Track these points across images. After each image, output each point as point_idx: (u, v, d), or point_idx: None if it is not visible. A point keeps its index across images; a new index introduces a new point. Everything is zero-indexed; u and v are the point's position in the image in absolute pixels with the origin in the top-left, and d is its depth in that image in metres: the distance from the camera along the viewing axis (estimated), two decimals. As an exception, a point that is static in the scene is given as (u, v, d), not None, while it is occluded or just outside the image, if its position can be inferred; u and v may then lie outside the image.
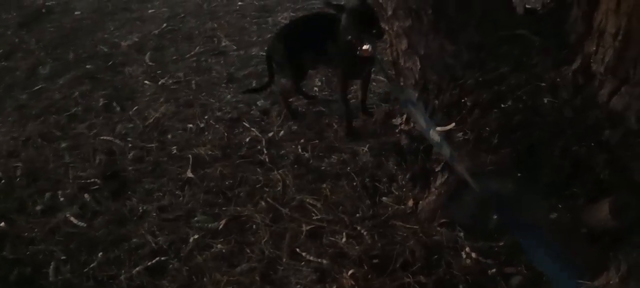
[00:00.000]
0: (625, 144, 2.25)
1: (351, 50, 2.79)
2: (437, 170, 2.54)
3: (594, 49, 2.35)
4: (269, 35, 4.61)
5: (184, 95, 3.78)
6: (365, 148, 2.99)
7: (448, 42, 2.69)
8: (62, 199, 2.86)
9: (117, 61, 4.37)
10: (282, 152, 3.08)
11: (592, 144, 2.27)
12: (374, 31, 2.80)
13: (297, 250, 2.43)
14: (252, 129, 3.30)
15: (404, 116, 2.95)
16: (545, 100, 2.44)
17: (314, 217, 2.59)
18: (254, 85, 3.83)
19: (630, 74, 2.23)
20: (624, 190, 2.16)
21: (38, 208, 2.81)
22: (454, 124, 2.56)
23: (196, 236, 2.55)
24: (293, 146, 3.11)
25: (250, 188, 2.82)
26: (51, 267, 2.45)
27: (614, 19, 2.24)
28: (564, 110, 2.39)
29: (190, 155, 3.10)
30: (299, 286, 2.28)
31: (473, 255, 2.27)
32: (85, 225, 2.68)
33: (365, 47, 2.75)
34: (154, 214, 2.71)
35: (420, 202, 2.56)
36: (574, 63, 2.44)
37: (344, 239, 2.45)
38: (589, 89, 2.37)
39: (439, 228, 2.42)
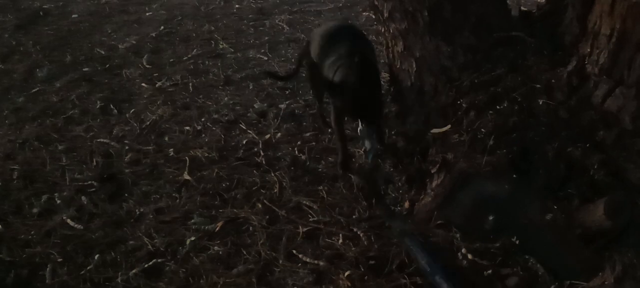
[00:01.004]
0: (619, 144, 2.26)
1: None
2: (433, 171, 2.54)
3: (589, 50, 2.37)
4: (266, 38, 4.63)
5: (181, 98, 3.79)
6: (361, 151, 3.00)
7: (444, 44, 2.70)
8: (58, 202, 2.85)
9: (114, 64, 4.38)
10: (279, 154, 3.09)
11: (587, 145, 2.29)
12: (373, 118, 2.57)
13: (294, 251, 2.43)
14: (249, 131, 3.31)
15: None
16: (541, 102, 2.45)
17: (311, 219, 2.60)
18: (251, 87, 3.85)
19: (624, 75, 2.25)
20: (618, 191, 2.17)
21: (34, 210, 2.80)
22: (449, 126, 2.58)
23: (193, 238, 2.54)
24: (290, 148, 3.12)
25: (247, 190, 2.83)
26: (48, 269, 2.44)
27: (608, 20, 2.25)
28: (559, 111, 2.40)
29: (187, 158, 3.10)
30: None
31: (469, 256, 2.26)
32: (82, 227, 2.67)
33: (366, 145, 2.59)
34: (151, 216, 2.71)
35: (417, 203, 2.56)
36: (569, 64, 2.45)
37: (340, 241, 2.46)
38: (583, 90, 2.38)
39: (435, 230, 2.42)
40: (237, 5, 5.40)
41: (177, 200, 2.81)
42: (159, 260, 2.45)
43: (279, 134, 3.25)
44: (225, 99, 3.72)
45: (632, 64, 2.22)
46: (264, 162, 3.02)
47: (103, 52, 4.59)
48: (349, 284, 2.22)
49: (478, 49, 2.68)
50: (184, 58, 4.38)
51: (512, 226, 2.29)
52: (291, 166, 2.96)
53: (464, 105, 2.57)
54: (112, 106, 3.72)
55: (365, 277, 2.25)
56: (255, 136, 3.25)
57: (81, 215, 2.76)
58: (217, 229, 2.59)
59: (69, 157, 3.22)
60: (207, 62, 4.28)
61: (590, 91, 2.36)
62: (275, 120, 3.39)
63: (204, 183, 2.90)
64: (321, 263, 2.35)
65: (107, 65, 4.35)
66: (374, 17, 3.26)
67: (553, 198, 2.26)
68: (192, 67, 4.23)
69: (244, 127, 3.36)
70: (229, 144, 3.23)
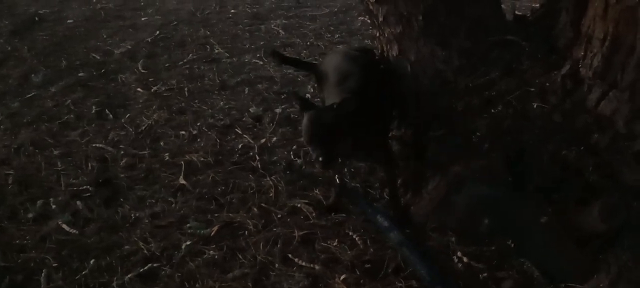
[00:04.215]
0: (613, 147, 2.27)
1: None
2: (428, 175, 2.55)
3: (583, 54, 2.37)
4: (261, 43, 4.64)
5: (177, 103, 3.79)
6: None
7: (439, 48, 2.70)
8: (54, 206, 2.84)
9: (109, 69, 4.37)
10: (274, 158, 3.09)
11: (581, 148, 2.29)
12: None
13: (290, 255, 2.43)
14: (245, 136, 3.31)
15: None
16: (535, 105, 2.46)
17: (306, 223, 2.60)
18: (246, 92, 3.85)
19: (618, 78, 2.25)
20: (613, 193, 2.17)
21: (30, 215, 2.79)
22: (444, 130, 2.59)
23: (188, 242, 2.54)
24: (285, 152, 3.12)
25: (243, 194, 2.83)
26: (43, 274, 2.43)
27: (601, 24, 2.26)
28: (554, 114, 2.41)
29: (182, 162, 3.10)
30: (291, 291, 2.29)
31: (465, 259, 2.27)
32: (77, 232, 2.66)
33: None
34: (147, 221, 2.70)
35: (412, 207, 2.56)
36: (563, 68, 2.46)
37: (336, 244, 2.46)
38: (577, 94, 2.39)
39: (430, 233, 2.43)
40: (232, 10, 5.41)
41: (173, 205, 2.80)
42: (155, 265, 2.44)
43: (274, 138, 3.26)
44: (221, 103, 3.72)
45: (626, 67, 2.22)
46: (259, 166, 3.02)
47: (98, 57, 4.59)
48: (345, 288, 2.23)
49: (473, 52, 2.69)
50: (180, 63, 4.38)
51: (507, 229, 2.30)
52: (287, 170, 2.97)
53: (459, 108, 2.58)
54: (107, 111, 3.72)
55: (361, 281, 2.25)
56: (250, 140, 3.26)
57: (76, 220, 2.75)
58: (213, 233, 2.59)
59: (64, 162, 3.21)
60: (202, 67, 4.29)
61: (584, 95, 2.37)
62: (271, 124, 3.39)
63: (199, 187, 2.90)
64: (317, 267, 2.35)
65: (103, 70, 4.34)
66: (368, 21, 3.26)
67: (548, 201, 2.27)
68: (187, 71, 4.23)
69: (239, 132, 3.36)
70: (225, 148, 3.23)
